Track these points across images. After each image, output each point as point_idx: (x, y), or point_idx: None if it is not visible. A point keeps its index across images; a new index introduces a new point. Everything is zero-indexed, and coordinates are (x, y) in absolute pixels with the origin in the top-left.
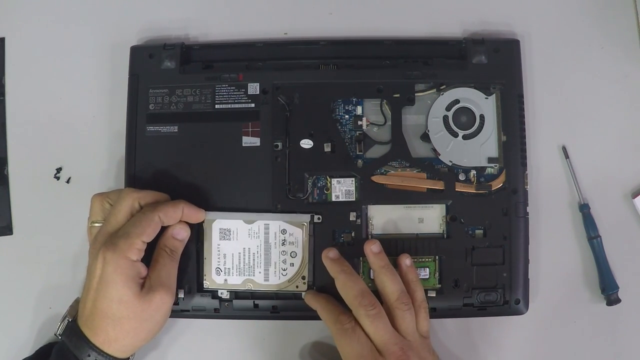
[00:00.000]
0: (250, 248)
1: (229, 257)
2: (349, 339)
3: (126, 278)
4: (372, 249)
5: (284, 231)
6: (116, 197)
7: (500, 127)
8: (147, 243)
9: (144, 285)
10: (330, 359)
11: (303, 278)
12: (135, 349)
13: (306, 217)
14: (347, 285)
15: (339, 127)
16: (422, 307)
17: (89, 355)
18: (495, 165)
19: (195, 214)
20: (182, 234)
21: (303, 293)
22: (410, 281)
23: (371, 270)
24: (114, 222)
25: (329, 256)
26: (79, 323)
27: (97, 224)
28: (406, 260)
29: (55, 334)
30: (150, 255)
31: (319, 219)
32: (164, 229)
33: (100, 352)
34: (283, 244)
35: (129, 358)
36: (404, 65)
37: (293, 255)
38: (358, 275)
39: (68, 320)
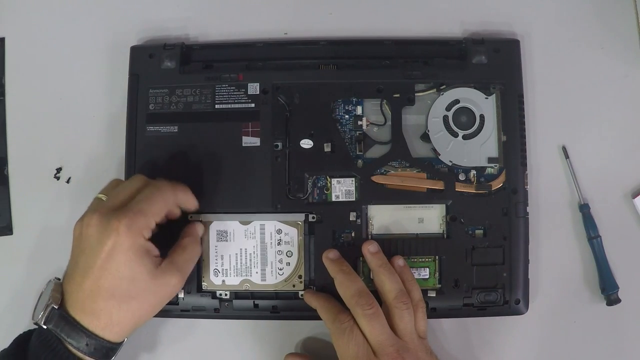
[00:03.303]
0: (247, 249)
1: (226, 258)
2: (346, 338)
3: (142, 255)
4: (370, 249)
5: (279, 231)
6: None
7: (500, 127)
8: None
9: (161, 265)
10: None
11: (299, 277)
12: (133, 331)
13: (301, 217)
14: (344, 284)
15: (339, 127)
16: (419, 307)
17: (87, 345)
18: (495, 165)
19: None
20: (201, 229)
21: (300, 292)
22: (405, 281)
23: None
24: (121, 197)
25: (329, 257)
26: (70, 308)
27: (100, 196)
28: (399, 261)
29: (35, 323)
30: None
31: (313, 218)
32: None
33: (98, 338)
34: (279, 243)
35: (123, 341)
36: (404, 65)
37: (289, 254)
38: (357, 275)
39: (53, 307)
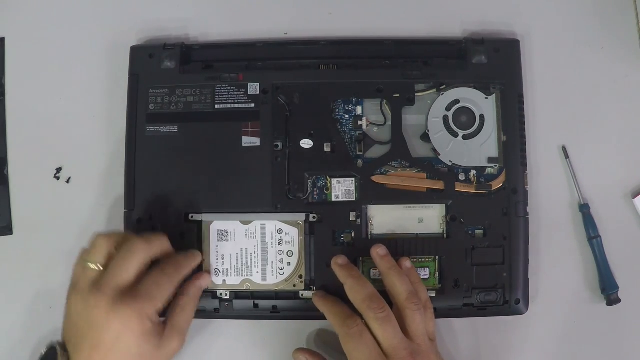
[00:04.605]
0: (247, 248)
1: (227, 258)
2: (355, 342)
3: (149, 336)
4: (379, 252)
5: (280, 231)
6: (124, 245)
7: (500, 127)
8: None
9: (164, 334)
10: (331, 358)
11: (300, 277)
12: None
13: (302, 217)
14: (355, 289)
15: (339, 127)
16: (427, 308)
17: None
18: (495, 165)
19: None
20: (206, 282)
21: (301, 292)
22: (412, 282)
23: (374, 272)
24: (125, 276)
25: (338, 263)
26: None
27: (93, 266)
28: (406, 263)
29: None
30: None
31: (314, 217)
32: None
33: None
34: (280, 243)
35: None
36: (404, 65)
37: (290, 254)
38: (366, 279)
39: None
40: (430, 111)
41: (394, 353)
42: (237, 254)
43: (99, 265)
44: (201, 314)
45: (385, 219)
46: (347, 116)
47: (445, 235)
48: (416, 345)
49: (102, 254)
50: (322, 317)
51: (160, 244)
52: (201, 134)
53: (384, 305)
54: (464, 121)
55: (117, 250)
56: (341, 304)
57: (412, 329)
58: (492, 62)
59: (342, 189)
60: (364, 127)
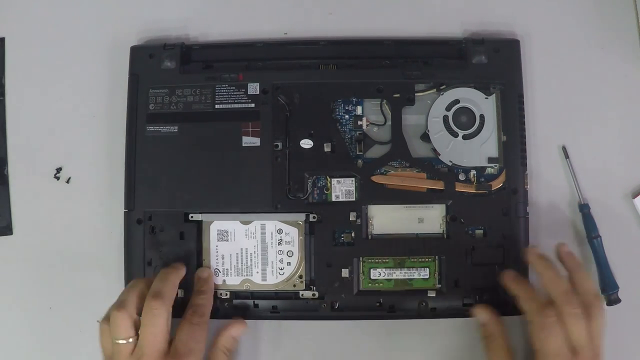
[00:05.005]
0: (247, 248)
1: (227, 258)
2: (548, 332)
3: None
4: (537, 252)
5: (280, 231)
6: (147, 312)
7: (500, 127)
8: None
9: None
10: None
11: (300, 277)
12: None
13: (302, 216)
14: (557, 280)
15: (339, 127)
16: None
17: None
18: (495, 165)
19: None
20: (240, 331)
21: (302, 292)
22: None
23: (374, 272)
24: (161, 342)
25: (537, 253)
26: None
27: (124, 341)
28: (564, 248)
29: None
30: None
31: (314, 217)
32: None
33: None
34: (280, 243)
35: None
36: (404, 65)
37: (290, 254)
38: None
39: None
40: (430, 111)
41: (582, 352)
42: (237, 254)
43: (129, 339)
44: None
45: (385, 219)
46: (347, 116)
47: (445, 235)
48: (598, 346)
49: (127, 327)
50: (320, 317)
51: (173, 291)
52: (201, 134)
53: (580, 302)
54: (464, 121)
55: (141, 316)
56: (536, 290)
57: (593, 330)
58: (492, 62)
59: (342, 189)
60: (364, 127)
